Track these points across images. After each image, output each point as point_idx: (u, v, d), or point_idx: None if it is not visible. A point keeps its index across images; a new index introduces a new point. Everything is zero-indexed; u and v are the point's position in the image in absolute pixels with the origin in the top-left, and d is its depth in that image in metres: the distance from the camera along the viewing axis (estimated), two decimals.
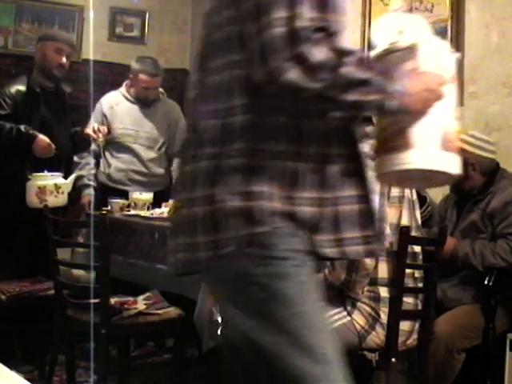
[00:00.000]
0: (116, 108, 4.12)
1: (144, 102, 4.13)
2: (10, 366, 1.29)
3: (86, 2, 4.89)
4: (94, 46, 4.73)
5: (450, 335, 2.76)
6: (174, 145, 4.21)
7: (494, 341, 2.85)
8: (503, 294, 2.92)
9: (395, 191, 2.41)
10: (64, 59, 3.72)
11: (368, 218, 1.42)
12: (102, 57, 5.05)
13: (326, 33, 1.28)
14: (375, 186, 2.30)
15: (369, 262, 2.29)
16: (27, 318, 3.34)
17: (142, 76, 4.05)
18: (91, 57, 4.61)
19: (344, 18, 1.36)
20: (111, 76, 5.17)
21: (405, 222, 2.45)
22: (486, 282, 2.88)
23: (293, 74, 1.24)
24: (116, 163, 4.11)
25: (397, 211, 2.42)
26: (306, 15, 1.25)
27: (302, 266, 1.34)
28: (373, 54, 1.50)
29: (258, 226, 1.31)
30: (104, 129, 3.82)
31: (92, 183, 4.06)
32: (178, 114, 4.31)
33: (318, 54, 1.25)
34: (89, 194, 4.02)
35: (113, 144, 4.10)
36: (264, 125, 1.34)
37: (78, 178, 3.99)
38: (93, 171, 4.08)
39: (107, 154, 4.13)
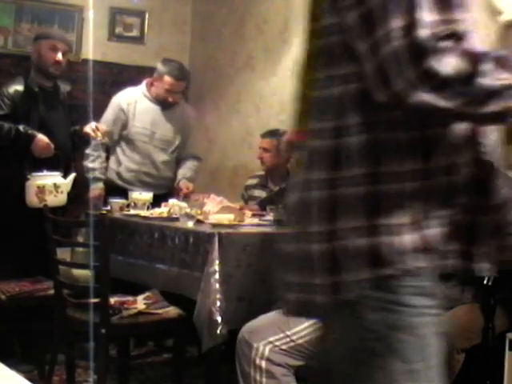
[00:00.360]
0: (135, 105, 4.10)
1: (164, 103, 4.12)
2: (10, 366, 1.29)
3: (85, 2, 4.89)
4: (93, 45, 4.73)
5: (450, 335, 2.76)
6: (184, 150, 4.24)
7: (493, 340, 2.85)
8: (502, 293, 2.92)
9: None
10: (59, 56, 3.71)
11: (482, 232, 1.23)
12: (102, 57, 5.06)
13: (454, 37, 1.07)
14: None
15: None
16: (27, 317, 3.34)
17: (167, 78, 4.03)
18: (91, 57, 4.61)
19: (471, 14, 1.13)
20: (111, 76, 5.18)
21: None
22: (485, 282, 2.88)
23: (422, 95, 1.07)
24: (127, 163, 4.11)
25: None
26: (427, 19, 1.05)
27: (428, 314, 1.18)
28: (500, 22, 1.31)
29: (385, 267, 1.14)
30: (103, 127, 3.82)
31: (103, 177, 4.06)
32: (193, 119, 4.36)
33: (449, 65, 1.05)
34: (99, 188, 4.01)
35: (126, 141, 4.10)
36: (385, 144, 1.16)
37: (89, 170, 4.00)
38: (104, 165, 4.09)
39: (118, 150, 4.13)
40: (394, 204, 1.15)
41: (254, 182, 4.26)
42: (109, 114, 4.10)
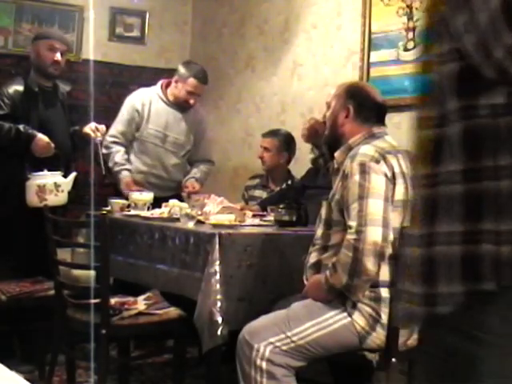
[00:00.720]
0: (149, 107, 4.07)
1: (180, 106, 4.09)
2: (10, 366, 1.29)
3: (85, 1, 4.89)
4: (94, 46, 4.73)
5: None
6: (197, 154, 4.24)
7: None
8: None
9: (399, 195, 2.41)
10: (58, 56, 3.71)
11: None
12: (102, 57, 5.05)
13: None
14: (375, 191, 2.31)
15: (371, 267, 2.27)
16: (27, 318, 3.34)
17: (192, 80, 3.99)
18: (91, 57, 4.61)
19: None
20: (111, 76, 5.18)
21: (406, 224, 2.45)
22: None
23: None
24: (138, 164, 4.10)
25: (400, 216, 2.41)
26: None
27: None
28: None
29: (480, 281, 1.00)
30: (103, 128, 3.82)
31: (127, 166, 4.03)
32: (207, 123, 4.35)
33: None
34: (127, 176, 3.99)
35: (138, 143, 4.09)
36: (486, 133, 1.00)
37: (112, 167, 3.99)
38: (125, 156, 4.06)
39: (130, 151, 4.11)
40: (500, 206, 0.99)
41: (254, 182, 4.26)
42: (123, 114, 4.08)
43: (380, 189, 2.32)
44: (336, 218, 2.44)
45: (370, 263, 2.26)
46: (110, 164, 4.01)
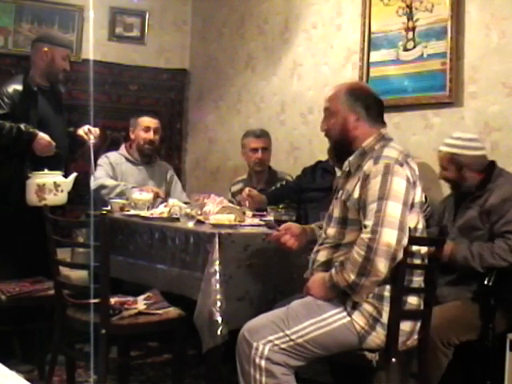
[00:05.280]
0: (120, 167, 4.23)
1: (145, 161, 4.29)
2: (10, 366, 1.29)
3: (85, 2, 4.88)
4: (93, 45, 4.73)
5: (436, 327, 2.73)
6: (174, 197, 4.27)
7: (493, 341, 2.84)
8: (502, 293, 2.92)
9: (418, 197, 2.42)
10: (68, 65, 3.82)
11: None
12: (102, 57, 5.05)
13: None
14: (396, 194, 2.30)
15: (381, 268, 2.25)
16: (27, 318, 3.34)
17: (143, 119, 4.26)
18: (91, 57, 4.61)
19: None
20: (111, 76, 5.18)
21: (420, 225, 2.45)
22: (485, 282, 2.87)
23: None
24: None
25: (417, 216, 2.43)
26: None
27: None
28: None
29: None
30: (96, 130, 3.84)
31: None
32: (172, 170, 4.52)
33: None
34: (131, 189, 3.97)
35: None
36: None
37: (114, 187, 4.02)
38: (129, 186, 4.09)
39: None
40: None
41: (238, 187, 4.30)
42: (103, 167, 4.16)
43: (400, 192, 2.32)
44: (352, 216, 2.42)
45: (381, 264, 2.24)
46: (107, 191, 4.00)
